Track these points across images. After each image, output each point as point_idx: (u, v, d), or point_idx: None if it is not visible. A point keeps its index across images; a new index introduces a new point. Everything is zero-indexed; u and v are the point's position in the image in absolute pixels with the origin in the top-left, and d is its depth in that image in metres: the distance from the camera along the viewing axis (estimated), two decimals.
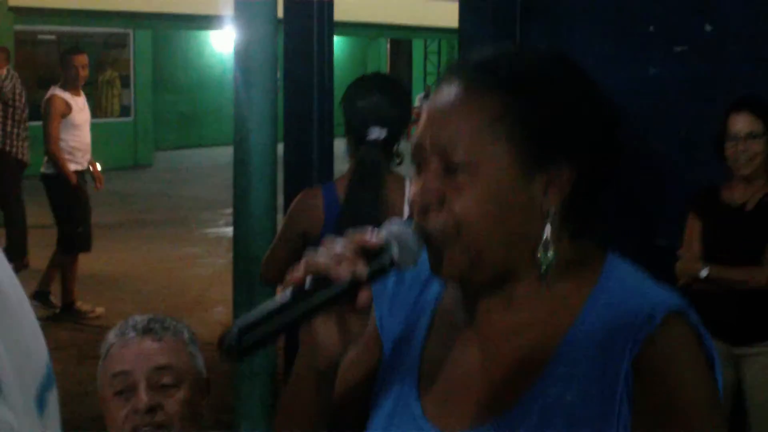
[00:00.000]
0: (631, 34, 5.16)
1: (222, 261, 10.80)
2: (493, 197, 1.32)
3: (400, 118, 3.67)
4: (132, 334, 2.33)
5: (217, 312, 8.45)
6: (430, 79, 33.60)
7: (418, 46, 33.80)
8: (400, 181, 3.70)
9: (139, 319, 2.37)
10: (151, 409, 2.24)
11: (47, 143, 8.09)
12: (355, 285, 1.30)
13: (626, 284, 1.36)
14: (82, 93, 8.52)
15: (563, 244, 1.37)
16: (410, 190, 1.39)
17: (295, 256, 3.63)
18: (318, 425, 1.46)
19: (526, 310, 1.38)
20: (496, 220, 1.33)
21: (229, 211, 14.33)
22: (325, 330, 1.34)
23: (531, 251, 1.35)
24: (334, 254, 1.30)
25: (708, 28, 4.97)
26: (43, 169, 8.25)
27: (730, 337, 4.11)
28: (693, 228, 4.32)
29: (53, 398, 0.65)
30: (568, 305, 1.36)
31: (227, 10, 18.92)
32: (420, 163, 1.38)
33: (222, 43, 25.15)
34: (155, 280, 9.65)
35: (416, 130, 1.40)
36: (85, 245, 8.26)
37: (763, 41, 4.84)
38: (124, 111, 21.93)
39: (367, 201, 3.62)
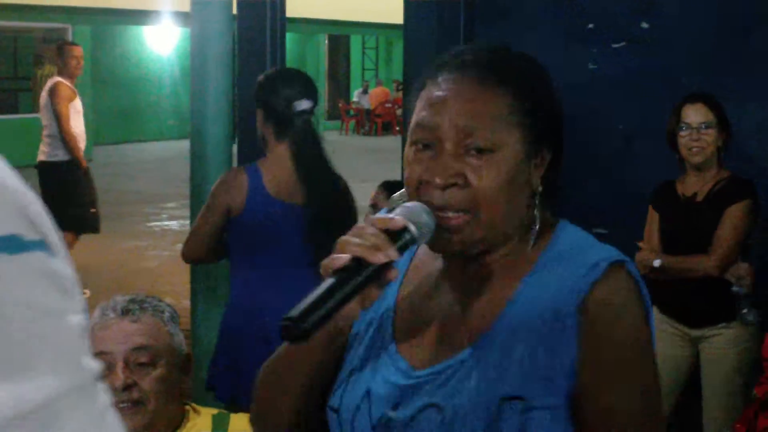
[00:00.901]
0: (571, 31, 5.33)
1: (167, 253, 10.88)
2: (508, 177, 1.54)
3: (316, 96, 3.90)
4: (111, 315, 2.45)
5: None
6: (368, 75, 33.70)
7: (356, 42, 33.89)
8: None
9: (120, 299, 2.50)
10: (127, 387, 2.38)
11: (61, 125, 8.27)
12: (386, 264, 1.47)
13: (574, 241, 1.61)
14: None
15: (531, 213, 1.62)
16: (411, 168, 1.56)
17: (217, 233, 3.88)
18: (310, 385, 1.65)
19: (495, 262, 1.61)
20: (506, 197, 1.54)
21: (172, 204, 14.45)
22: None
23: (517, 224, 1.59)
24: (369, 241, 1.46)
25: (645, 25, 5.16)
26: (44, 157, 8.43)
27: (687, 321, 4.34)
28: (651, 220, 4.49)
29: None
30: (528, 258, 1.60)
31: (165, 5, 18.70)
32: (428, 143, 1.55)
33: (160, 39, 25.09)
34: (104, 274, 9.70)
35: (422, 115, 1.57)
36: (96, 225, 8.47)
37: (697, 38, 5.05)
38: None
39: (322, 164, 3.86)
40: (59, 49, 8.86)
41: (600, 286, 1.50)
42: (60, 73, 8.65)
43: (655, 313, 4.37)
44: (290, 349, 1.65)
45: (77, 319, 0.65)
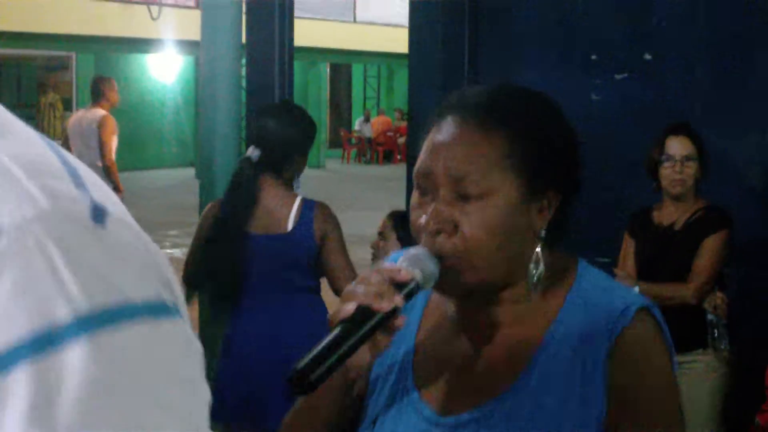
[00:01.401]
0: (575, 62, 5.40)
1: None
2: (500, 223, 1.50)
3: (281, 142, 3.98)
4: None
5: None
6: (369, 103, 33.84)
7: (357, 71, 34.04)
8: (290, 197, 4.02)
9: None
10: None
11: (105, 155, 8.80)
12: (393, 312, 1.46)
13: (599, 286, 1.59)
14: None
15: (545, 255, 1.58)
16: (415, 213, 1.56)
17: (206, 261, 4.05)
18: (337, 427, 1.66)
19: (514, 307, 1.58)
20: (500, 243, 1.51)
21: (174, 232, 14.50)
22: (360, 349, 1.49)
23: (522, 266, 1.56)
24: (374, 289, 1.45)
25: (647, 57, 5.23)
26: None
27: None
28: (627, 247, 4.56)
29: None
30: (550, 303, 1.58)
31: (168, 34, 18.74)
32: (427, 189, 1.54)
33: (162, 67, 25.21)
34: None
35: (422, 160, 1.56)
36: None
37: (698, 69, 5.11)
38: None
39: (238, 209, 3.97)
40: (100, 82, 9.23)
41: (629, 332, 1.51)
42: (100, 105, 9.02)
43: None
44: (306, 400, 1.65)
45: (204, 389, 0.67)
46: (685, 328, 4.32)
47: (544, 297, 1.58)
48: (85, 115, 9.04)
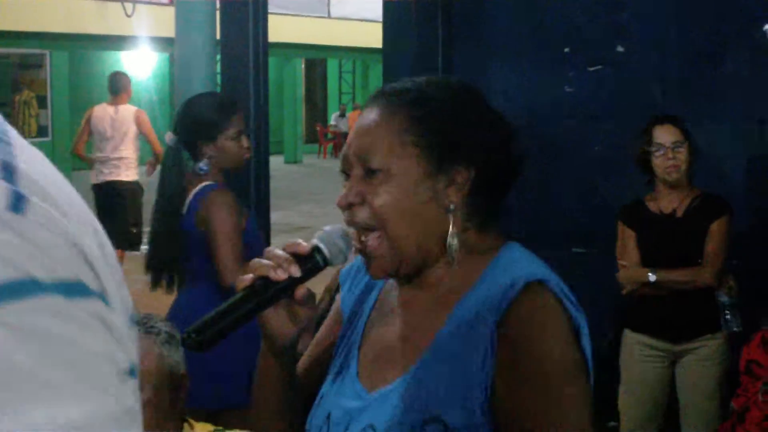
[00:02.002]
0: (549, 55, 5.43)
1: (147, 278, 10.90)
2: (404, 194, 1.64)
3: (186, 128, 4.04)
4: None
5: None
6: (345, 98, 33.81)
7: (333, 66, 34.01)
8: (197, 182, 4.04)
9: None
10: None
11: (155, 144, 9.33)
12: (292, 283, 1.60)
13: (509, 264, 1.67)
14: None
15: (469, 235, 1.69)
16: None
17: None
18: (286, 394, 1.77)
19: (435, 290, 1.70)
20: (407, 213, 1.64)
21: (149, 229, 14.41)
22: (277, 320, 1.65)
23: (439, 241, 1.67)
24: (274, 261, 1.60)
25: (620, 49, 5.28)
26: (123, 177, 9.29)
27: (671, 336, 4.45)
28: (627, 237, 4.59)
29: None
30: (464, 284, 1.68)
31: (142, 31, 18.60)
32: (347, 172, 1.70)
33: (137, 64, 25.12)
34: None
35: (345, 146, 1.73)
36: (138, 243, 8.99)
37: (671, 61, 5.16)
38: (42, 131, 21.82)
39: (168, 188, 4.08)
40: (120, 77, 9.60)
41: (516, 305, 1.57)
42: (120, 99, 9.38)
43: (632, 334, 4.47)
44: (259, 362, 1.77)
45: (123, 361, 0.66)
46: (697, 314, 4.43)
47: (464, 277, 1.68)
48: (117, 110, 9.37)
